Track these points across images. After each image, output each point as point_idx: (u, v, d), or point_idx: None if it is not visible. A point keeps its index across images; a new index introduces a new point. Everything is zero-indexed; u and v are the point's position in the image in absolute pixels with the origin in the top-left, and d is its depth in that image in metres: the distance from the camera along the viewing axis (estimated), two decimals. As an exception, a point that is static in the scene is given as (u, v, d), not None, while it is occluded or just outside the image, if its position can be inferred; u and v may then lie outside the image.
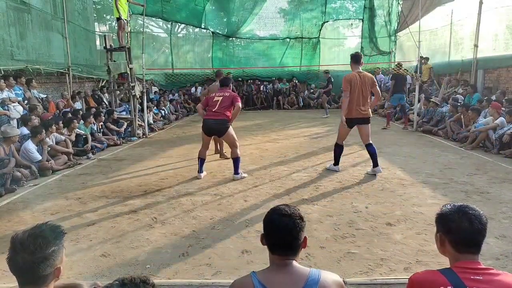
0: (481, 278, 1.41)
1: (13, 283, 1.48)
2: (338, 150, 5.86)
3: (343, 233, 3.61)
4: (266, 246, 1.57)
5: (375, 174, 5.55)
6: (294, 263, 1.51)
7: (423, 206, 4.28)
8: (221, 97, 5.55)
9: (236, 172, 5.63)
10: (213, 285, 2.77)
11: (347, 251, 3.24)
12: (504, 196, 4.57)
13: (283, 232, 1.49)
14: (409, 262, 3.03)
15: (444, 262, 2.91)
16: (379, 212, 4.13)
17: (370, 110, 5.56)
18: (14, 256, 1.44)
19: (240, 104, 5.64)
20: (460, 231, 1.49)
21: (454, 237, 1.51)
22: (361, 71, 5.58)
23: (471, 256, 1.49)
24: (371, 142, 5.59)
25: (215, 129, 5.58)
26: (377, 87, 5.60)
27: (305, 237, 1.55)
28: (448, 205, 1.60)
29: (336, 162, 5.92)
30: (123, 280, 0.98)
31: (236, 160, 5.63)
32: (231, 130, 5.61)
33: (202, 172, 5.77)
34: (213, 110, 5.51)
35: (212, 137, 5.89)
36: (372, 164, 5.62)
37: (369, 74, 5.59)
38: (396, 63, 12.36)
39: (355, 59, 5.58)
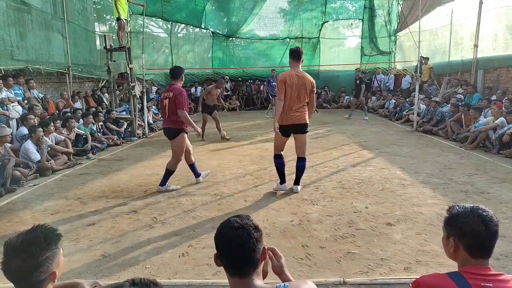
0: (491, 285, 1.35)
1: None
2: (277, 162, 4.93)
3: (343, 233, 3.61)
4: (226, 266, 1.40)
5: (296, 192, 4.83)
6: (258, 283, 1.33)
7: (423, 206, 4.28)
8: (167, 100, 4.85)
9: (162, 183, 5.04)
10: (213, 285, 2.77)
11: (347, 251, 3.24)
12: (504, 196, 4.57)
13: (238, 247, 1.31)
14: (409, 262, 3.03)
15: (444, 262, 2.92)
16: (379, 212, 4.13)
17: (306, 115, 4.70)
18: (7, 262, 1.40)
19: (183, 112, 4.77)
20: (477, 234, 1.40)
21: (469, 241, 1.42)
22: (301, 71, 4.64)
23: (482, 261, 1.43)
24: (305, 156, 4.87)
25: (167, 138, 5.07)
26: (314, 94, 4.75)
27: (263, 248, 1.36)
28: (457, 206, 1.49)
29: (282, 179, 4.95)
30: (133, 280, 1.00)
31: (168, 172, 5.03)
32: (179, 140, 4.93)
33: (199, 175, 5.44)
34: (165, 117, 5.02)
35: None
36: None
37: (310, 77, 4.64)
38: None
39: (295, 55, 4.61)
